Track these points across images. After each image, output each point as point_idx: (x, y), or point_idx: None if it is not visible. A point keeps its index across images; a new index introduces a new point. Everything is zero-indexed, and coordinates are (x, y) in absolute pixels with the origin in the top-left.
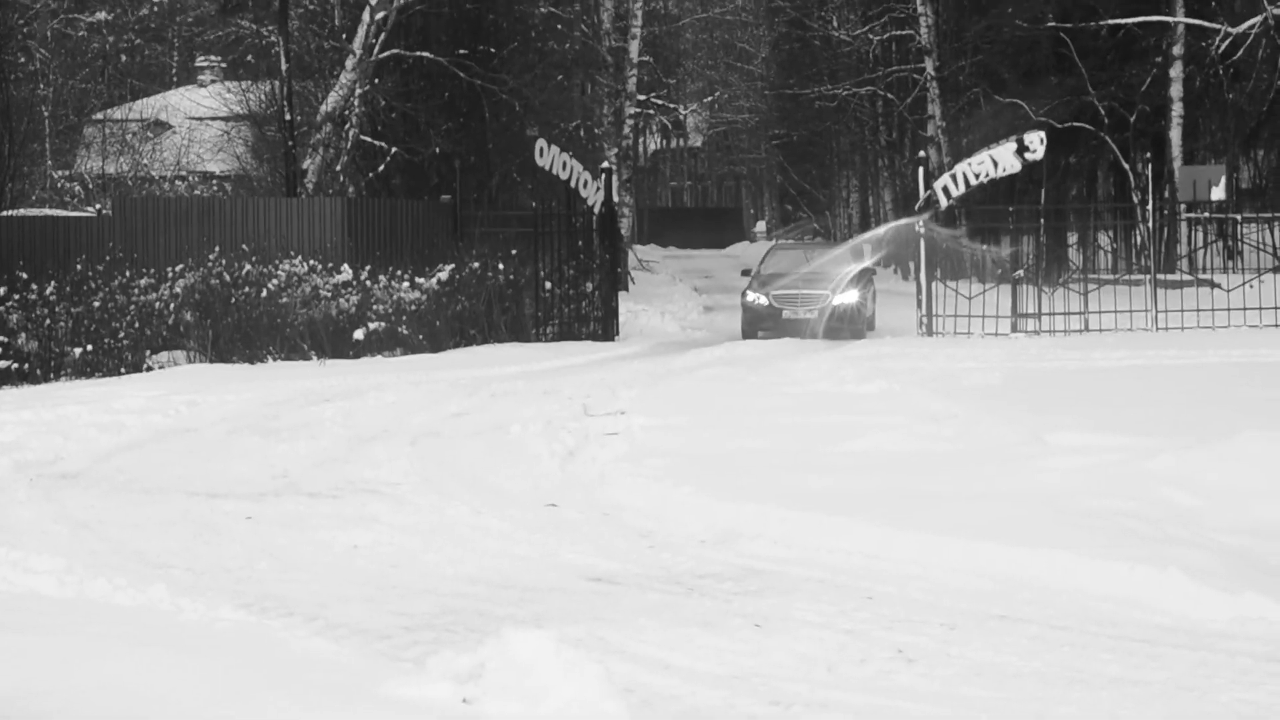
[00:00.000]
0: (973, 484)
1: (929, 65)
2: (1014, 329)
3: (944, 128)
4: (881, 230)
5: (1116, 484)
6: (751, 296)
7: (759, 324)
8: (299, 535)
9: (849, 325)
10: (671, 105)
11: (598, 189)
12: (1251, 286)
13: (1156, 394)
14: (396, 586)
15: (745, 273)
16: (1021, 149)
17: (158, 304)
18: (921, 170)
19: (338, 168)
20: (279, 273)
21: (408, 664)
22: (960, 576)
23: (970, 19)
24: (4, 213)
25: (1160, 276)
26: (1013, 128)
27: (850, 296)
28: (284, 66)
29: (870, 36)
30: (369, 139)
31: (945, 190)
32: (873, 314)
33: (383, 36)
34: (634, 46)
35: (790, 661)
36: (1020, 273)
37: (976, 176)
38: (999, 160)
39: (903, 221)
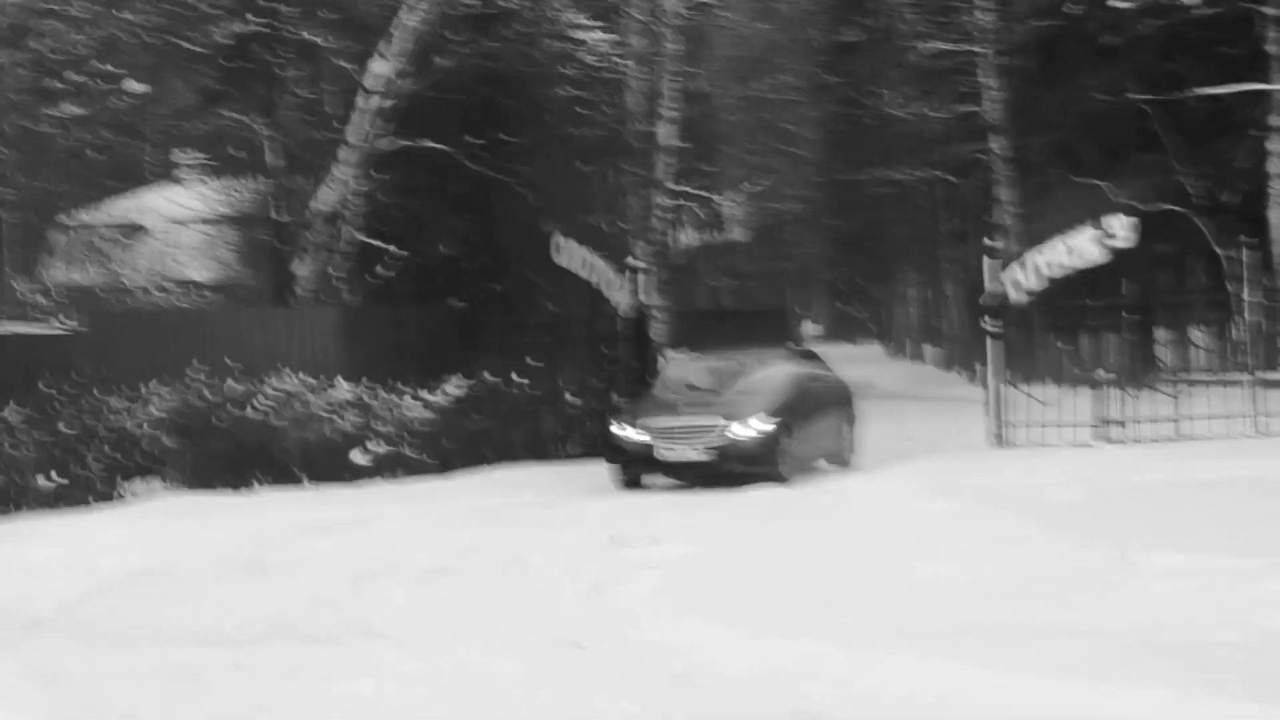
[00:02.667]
0: (1053, 615)
1: (995, 145)
2: (1096, 437)
3: (1015, 212)
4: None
5: (1218, 611)
6: (618, 430)
7: (630, 467)
8: (293, 687)
9: (757, 466)
10: (709, 195)
11: (623, 288)
12: None
13: (1261, 509)
14: None
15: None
16: (1103, 235)
17: (132, 426)
18: (989, 261)
19: (332, 271)
20: (268, 390)
21: None
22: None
23: (1043, 92)
24: None
25: (1262, 375)
26: (1093, 211)
27: (755, 425)
28: (273, 161)
29: (930, 113)
30: (368, 239)
31: (1017, 283)
32: (840, 448)
33: (384, 126)
34: (665, 130)
35: None
36: (1103, 373)
37: (1052, 267)
38: (1077, 248)
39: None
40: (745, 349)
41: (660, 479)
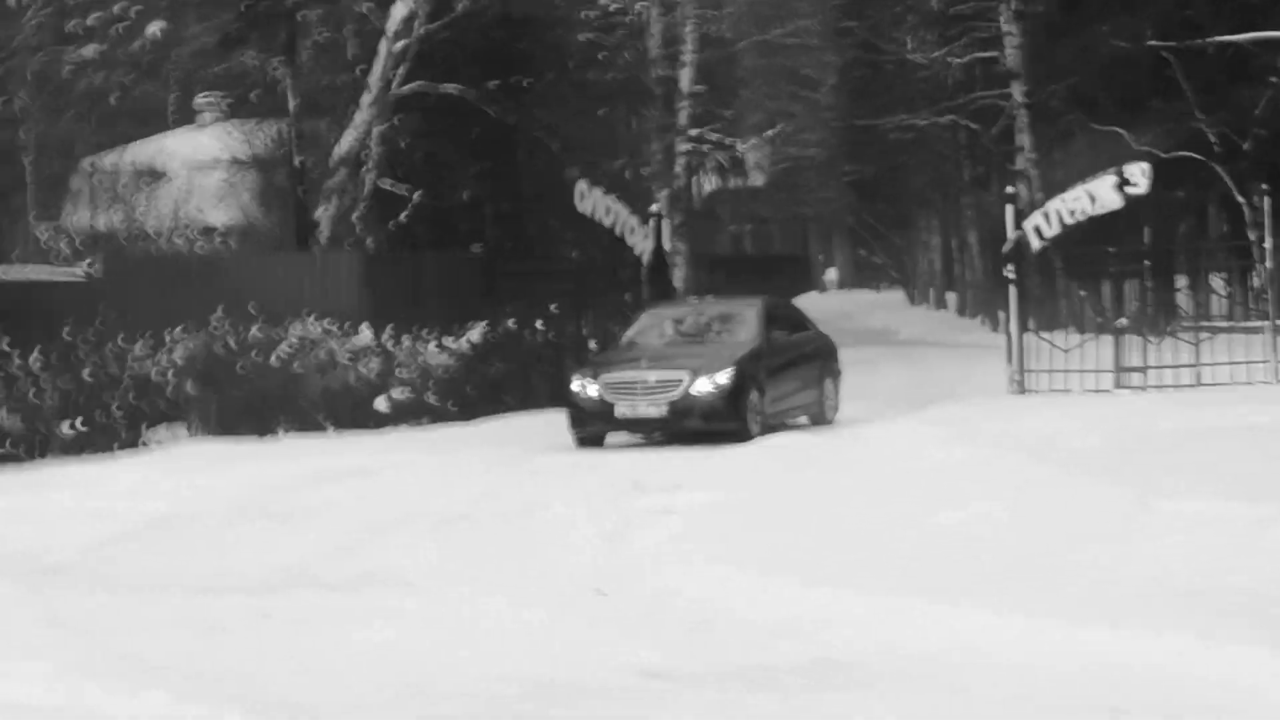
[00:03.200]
0: (1073, 560)
1: (1016, 91)
2: (1117, 385)
3: (1035, 160)
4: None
5: (1238, 557)
6: (578, 385)
7: (588, 424)
8: (313, 633)
9: (721, 422)
10: (728, 140)
11: (646, 236)
12: None
13: None
14: (423, 689)
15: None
16: (1122, 183)
17: (155, 374)
18: (1010, 208)
19: (354, 217)
20: (290, 336)
21: None
22: (1064, 665)
23: (1062, 38)
24: None
25: None
26: (1112, 159)
27: (718, 380)
28: (292, 104)
29: (950, 59)
30: (389, 184)
31: (1037, 230)
32: (821, 405)
33: (403, 69)
34: (685, 75)
35: None
36: (1124, 321)
37: (1072, 214)
38: (1097, 195)
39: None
40: (735, 299)
41: (623, 436)
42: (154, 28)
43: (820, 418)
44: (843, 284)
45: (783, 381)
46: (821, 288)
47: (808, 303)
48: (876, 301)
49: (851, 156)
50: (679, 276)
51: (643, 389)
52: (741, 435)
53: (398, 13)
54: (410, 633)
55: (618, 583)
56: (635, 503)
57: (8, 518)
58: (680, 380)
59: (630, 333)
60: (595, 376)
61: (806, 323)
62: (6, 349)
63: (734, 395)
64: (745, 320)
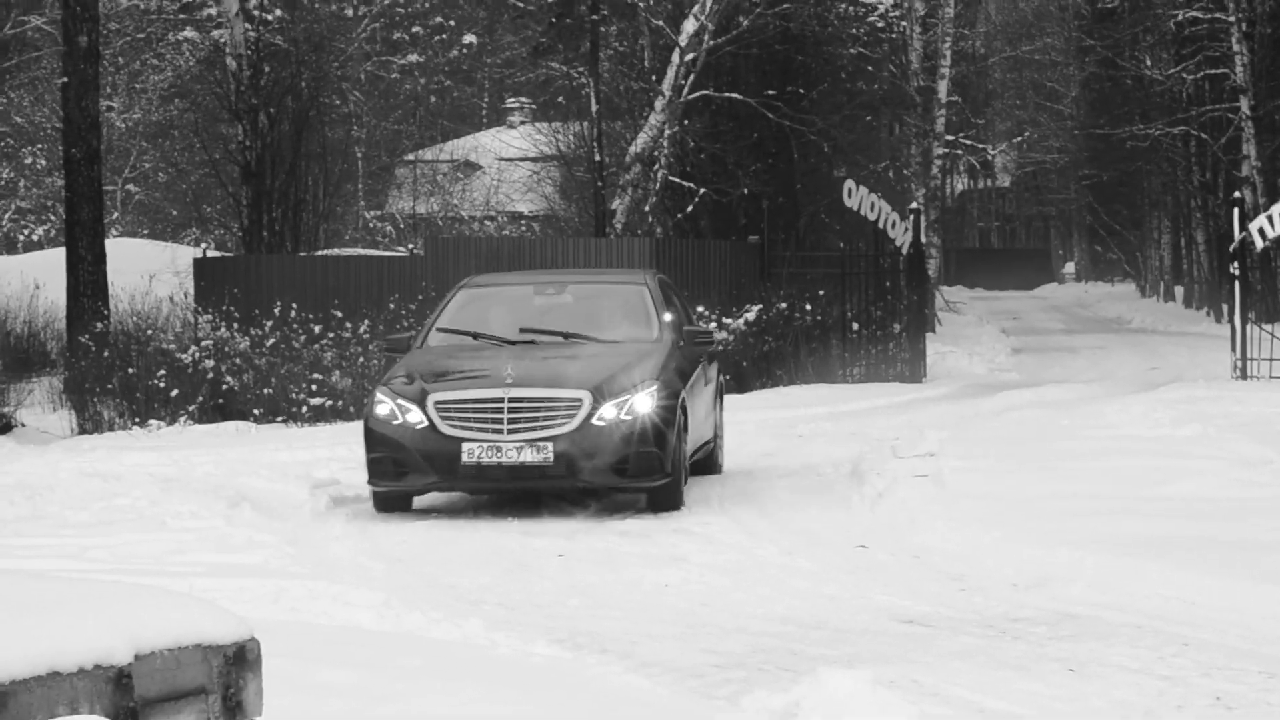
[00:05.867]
0: None
1: (1244, 105)
2: None
3: (1259, 168)
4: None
5: None
6: (386, 408)
7: (408, 473)
8: (609, 573)
9: (642, 476)
10: (980, 145)
11: (905, 230)
12: None
13: None
14: (707, 625)
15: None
16: None
17: None
18: (1236, 211)
19: (646, 208)
20: None
21: (721, 701)
22: (1279, 624)
23: None
24: (319, 252)
25: None
26: None
27: (637, 404)
28: (594, 108)
29: (1184, 75)
30: (677, 180)
31: (1261, 231)
32: (711, 440)
33: (692, 78)
34: (943, 86)
35: (1106, 707)
36: None
37: None
38: None
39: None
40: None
41: (440, 496)
42: (470, 38)
43: (712, 462)
44: (1079, 277)
45: (698, 406)
46: (1060, 280)
47: (1048, 293)
48: (1110, 293)
49: (1090, 162)
50: (934, 266)
51: (510, 419)
52: (669, 499)
53: (688, 27)
54: (695, 575)
55: (878, 538)
56: (894, 466)
57: (341, 465)
58: (574, 404)
59: (441, 319)
60: (421, 394)
61: (688, 311)
62: (339, 318)
63: (661, 430)
64: (635, 307)
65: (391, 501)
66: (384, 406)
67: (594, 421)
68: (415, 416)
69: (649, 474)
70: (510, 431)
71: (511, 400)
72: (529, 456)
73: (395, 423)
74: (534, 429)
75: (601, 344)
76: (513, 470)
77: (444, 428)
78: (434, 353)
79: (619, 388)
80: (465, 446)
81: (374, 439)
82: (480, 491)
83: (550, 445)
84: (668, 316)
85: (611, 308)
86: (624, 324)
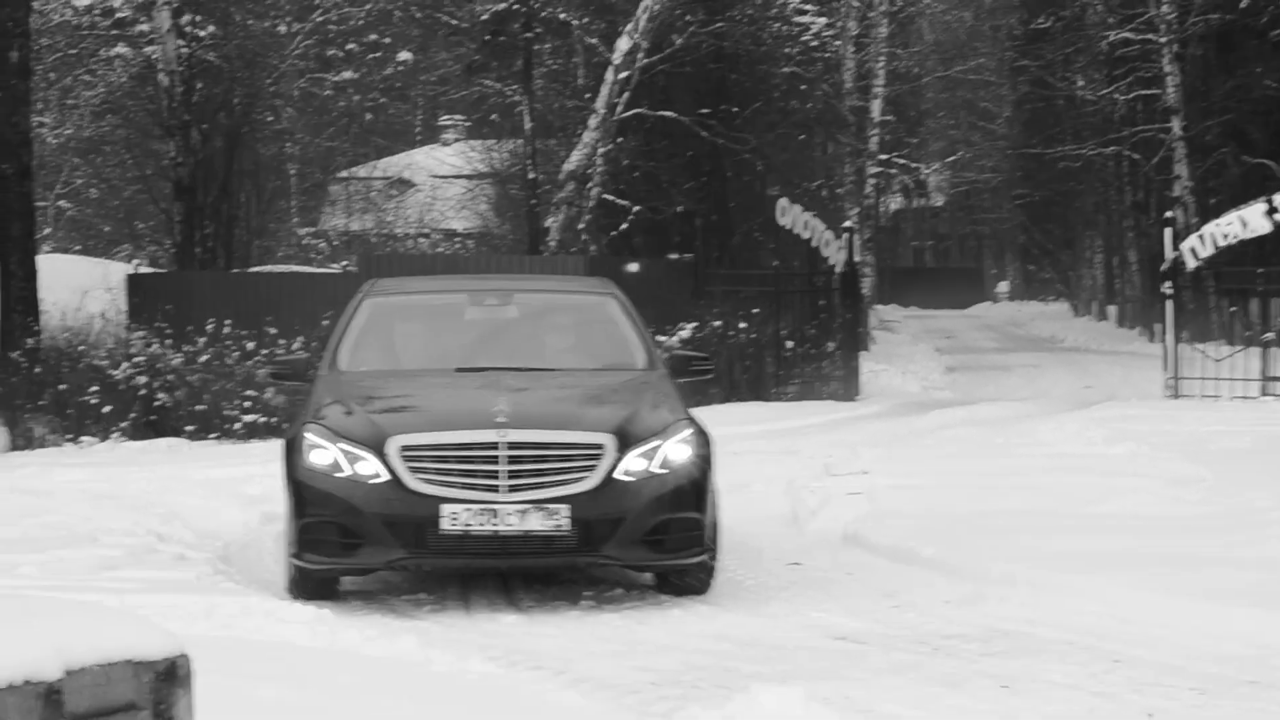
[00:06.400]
0: (1223, 548)
1: (1175, 125)
2: (1264, 393)
3: (1191, 188)
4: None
5: None
6: (326, 455)
7: (363, 545)
8: (545, 591)
9: (677, 552)
10: (913, 165)
11: (839, 248)
12: None
13: None
14: (643, 642)
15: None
16: (1272, 210)
17: None
18: (1169, 231)
19: (580, 226)
20: None
21: (657, 718)
22: (1211, 641)
23: (1218, 78)
24: (252, 269)
25: None
26: (1262, 189)
27: (671, 451)
28: (528, 125)
29: (1116, 96)
30: (611, 197)
31: (1193, 251)
32: (712, 509)
33: (626, 96)
34: (876, 106)
35: None
36: (1270, 335)
37: (1225, 237)
38: (1248, 221)
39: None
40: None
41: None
42: (404, 55)
43: (712, 537)
44: (1013, 296)
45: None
46: (994, 299)
47: (982, 311)
48: (1043, 312)
49: (1023, 181)
50: (868, 285)
51: (507, 473)
52: (699, 580)
53: (622, 45)
54: (629, 595)
55: (812, 556)
56: (827, 484)
57: (275, 482)
58: (593, 453)
59: (346, 335)
60: (376, 436)
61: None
62: (274, 334)
63: (701, 488)
64: (609, 325)
65: (324, 585)
66: (322, 452)
67: (618, 477)
68: (369, 467)
69: (687, 547)
70: (510, 489)
71: (511, 446)
72: (536, 524)
73: (340, 475)
74: (541, 486)
75: (585, 374)
76: (512, 542)
77: (412, 483)
78: (365, 379)
79: (644, 430)
80: (446, 509)
81: (307, 497)
82: (462, 570)
83: (565, 509)
84: (641, 334)
85: (577, 325)
86: (599, 347)
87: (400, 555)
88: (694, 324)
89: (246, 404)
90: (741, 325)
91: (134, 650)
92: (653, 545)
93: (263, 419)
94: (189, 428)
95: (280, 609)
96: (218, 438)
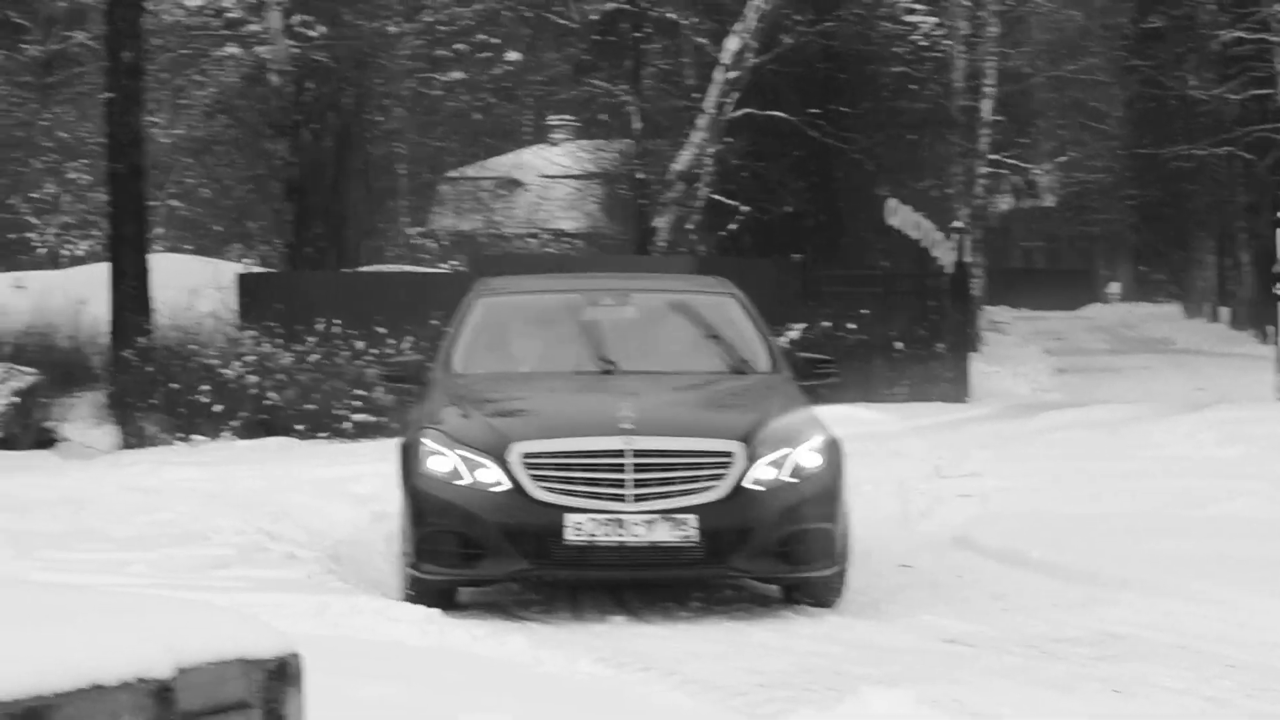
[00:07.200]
0: None
1: None
2: None
3: None
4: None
5: None
6: (445, 462)
7: (475, 547)
8: (654, 592)
9: (809, 564)
10: (1024, 165)
11: (949, 249)
12: None
13: None
14: (752, 644)
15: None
16: None
17: None
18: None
19: (688, 226)
20: None
21: None
22: None
23: None
24: (362, 268)
25: None
26: None
27: (802, 458)
28: (636, 125)
29: (1228, 96)
30: (720, 198)
31: None
32: (844, 520)
33: (735, 96)
34: (986, 105)
35: None
36: None
37: None
38: None
39: None
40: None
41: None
42: (513, 55)
43: (843, 552)
44: (1125, 297)
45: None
46: (1105, 300)
47: (1093, 313)
48: (1155, 313)
49: (1135, 182)
50: (978, 285)
51: (633, 481)
52: (829, 590)
53: (731, 45)
54: (739, 596)
55: (920, 557)
56: (937, 485)
57: (384, 481)
58: (722, 460)
59: (460, 336)
60: (498, 442)
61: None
62: (383, 334)
63: (835, 497)
64: (731, 326)
65: (442, 596)
66: (441, 459)
67: (747, 485)
68: (490, 475)
69: (818, 559)
70: (637, 499)
71: (637, 454)
72: (664, 535)
73: (459, 483)
74: (668, 495)
75: (707, 377)
76: (637, 554)
77: (535, 491)
78: (481, 382)
79: (774, 437)
80: (570, 519)
81: (426, 505)
82: (582, 582)
83: (693, 519)
84: (762, 335)
85: (697, 326)
86: (720, 349)
87: (523, 567)
88: (803, 325)
89: (356, 403)
90: (850, 326)
91: (245, 649)
92: (782, 557)
93: (372, 418)
94: (299, 426)
95: (390, 608)
96: (327, 436)
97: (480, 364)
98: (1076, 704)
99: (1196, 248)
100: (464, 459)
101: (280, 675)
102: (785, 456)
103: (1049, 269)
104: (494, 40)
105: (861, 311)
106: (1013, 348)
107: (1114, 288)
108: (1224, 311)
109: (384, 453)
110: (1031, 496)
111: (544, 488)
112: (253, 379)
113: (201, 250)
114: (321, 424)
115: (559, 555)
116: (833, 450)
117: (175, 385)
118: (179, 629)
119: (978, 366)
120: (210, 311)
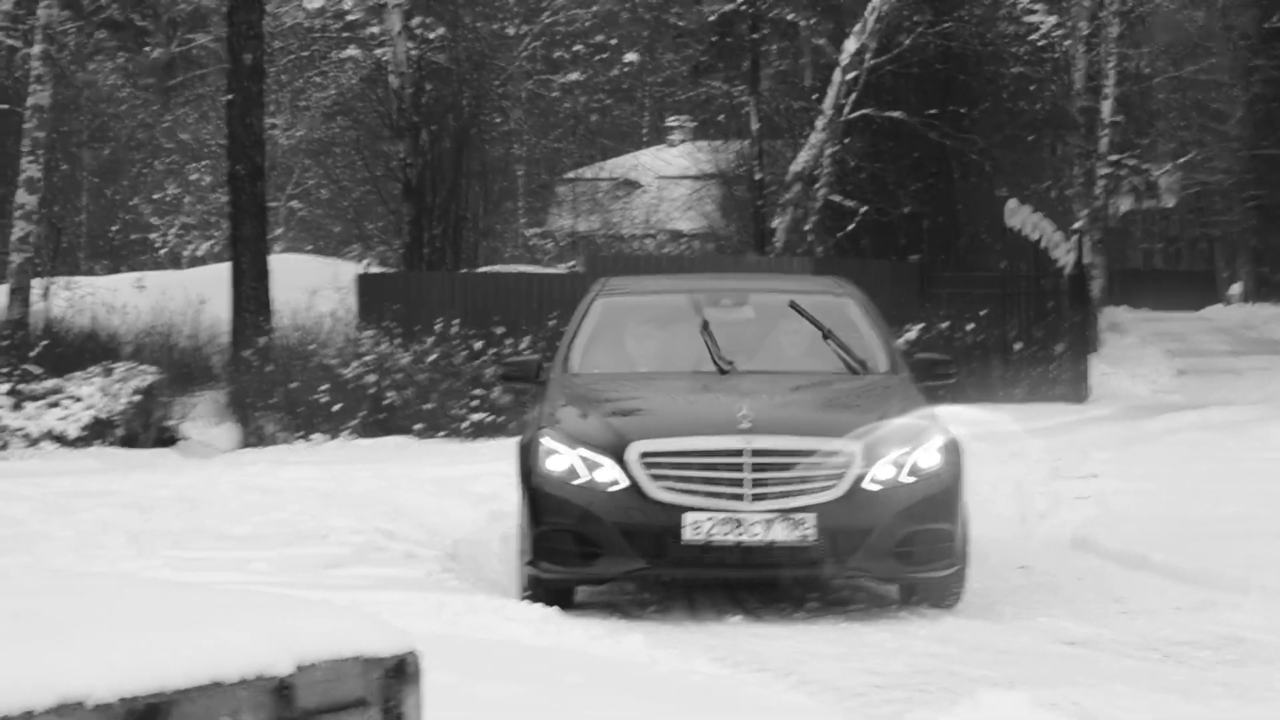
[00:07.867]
0: None
1: None
2: None
3: None
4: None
5: None
6: (563, 460)
7: (601, 552)
8: (771, 593)
9: (928, 564)
10: (1144, 166)
11: (1068, 250)
12: None
13: None
14: (869, 645)
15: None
16: None
17: None
18: None
19: (806, 227)
20: None
21: None
22: None
23: None
24: (480, 269)
25: None
26: None
27: (920, 458)
28: (754, 126)
29: None
30: (838, 199)
31: None
32: (963, 520)
33: (853, 97)
34: (1106, 106)
35: None
36: None
37: None
38: None
39: None
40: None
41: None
42: (631, 56)
43: (962, 552)
44: (1246, 298)
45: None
46: (1226, 301)
47: (1214, 314)
48: (1277, 315)
49: (1256, 183)
50: (1097, 287)
51: (751, 480)
52: (946, 590)
53: (849, 46)
54: (856, 598)
55: (1039, 558)
56: (1055, 487)
57: (503, 481)
58: (841, 460)
59: (578, 336)
60: (616, 441)
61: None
62: (501, 334)
63: (955, 498)
64: (849, 327)
65: (559, 595)
66: (559, 458)
67: (866, 485)
68: (608, 474)
69: (937, 560)
70: (755, 498)
71: (755, 453)
72: (781, 534)
73: (577, 482)
74: (787, 495)
75: (826, 377)
76: (754, 553)
77: (653, 490)
78: (599, 382)
79: (894, 437)
80: (688, 518)
81: (545, 504)
82: (699, 580)
83: (811, 518)
84: (881, 334)
85: (805, 321)
86: (841, 348)
87: (640, 565)
88: (920, 325)
89: (474, 403)
90: (969, 327)
91: (364, 647)
92: (901, 557)
93: (490, 418)
94: (417, 426)
95: (507, 607)
96: (445, 436)
97: (598, 364)
98: (1197, 708)
99: None
100: (582, 458)
101: (399, 673)
102: (904, 456)
103: (1169, 270)
104: (612, 41)
105: (980, 312)
106: (1132, 349)
107: (1235, 289)
108: None
109: (502, 452)
110: (1151, 499)
111: (662, 487)
112: (371, 379)
113: (320, 251)
114: (439, 423)
115: (676, 554)
116: (952, 450)
117: (294, 384)
118: (298, 627)
119: (1097, 367)
120: (329, 311)
